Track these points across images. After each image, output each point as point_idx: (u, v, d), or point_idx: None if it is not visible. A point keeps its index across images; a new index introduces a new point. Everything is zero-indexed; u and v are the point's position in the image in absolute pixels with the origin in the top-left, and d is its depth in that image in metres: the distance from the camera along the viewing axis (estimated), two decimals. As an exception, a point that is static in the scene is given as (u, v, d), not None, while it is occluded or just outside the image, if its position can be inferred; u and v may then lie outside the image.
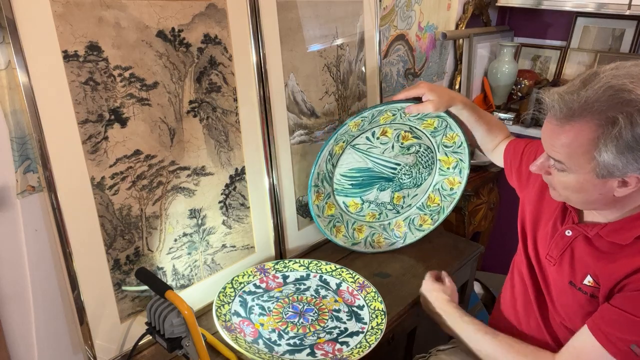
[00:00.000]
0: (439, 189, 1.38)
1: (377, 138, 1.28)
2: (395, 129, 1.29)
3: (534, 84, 1.99)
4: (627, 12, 1.71)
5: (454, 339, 1.24)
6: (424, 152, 1.34)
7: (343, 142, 1.24)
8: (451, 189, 1.38)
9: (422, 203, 1.40)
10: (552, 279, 0.96)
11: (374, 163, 1.30)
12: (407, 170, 1.34)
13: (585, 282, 0.89)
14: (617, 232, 0.85)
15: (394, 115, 1.22)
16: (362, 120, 1.19)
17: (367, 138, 1.27)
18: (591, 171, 0.79)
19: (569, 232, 0.93)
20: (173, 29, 0.99)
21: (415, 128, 1.30)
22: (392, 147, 1.31)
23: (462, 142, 1.31)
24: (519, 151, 1.15)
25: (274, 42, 1.20)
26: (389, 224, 1.39)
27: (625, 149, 0.74)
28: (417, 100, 1.18)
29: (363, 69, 1.47)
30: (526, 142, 1.16)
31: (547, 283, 0.97)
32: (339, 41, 1.38)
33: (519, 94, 2.02)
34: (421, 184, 1.37)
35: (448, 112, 1.22)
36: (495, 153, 1.30)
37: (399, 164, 1.33)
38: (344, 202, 1.33)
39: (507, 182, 1.23)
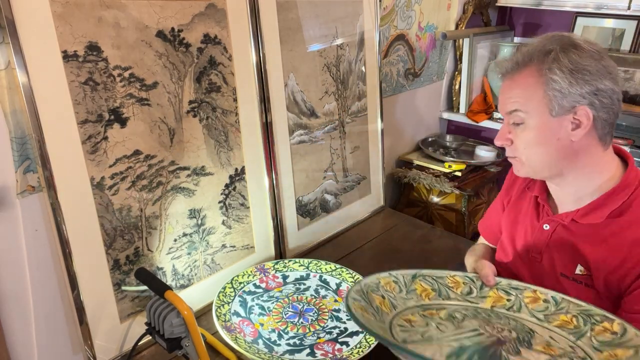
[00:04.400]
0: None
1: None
2: None
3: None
4: (627, 12, 1.71)
5: None
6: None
7: None
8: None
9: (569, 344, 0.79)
10: (542, 275, 0.97)
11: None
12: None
13: (577, 271, 0.91)
14: (589, 214, 0.88)
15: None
16: None
17: None
18: (545, 110, 0.84)
19: (546, 226, 0.95)
20: (173, 29, 0.99)
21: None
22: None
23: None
24: (493, 214, 1.15)
25: (273, 42, 1.20)
26: None
27: (567, 71, 0.81)
28: None
29: (363, 68, 1.47)
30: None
31: (540, 281, 0.98)
32: (338, 41, 1.38)
33: (519, 94, 2.02)
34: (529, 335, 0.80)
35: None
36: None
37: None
38: None
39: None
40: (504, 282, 0.89)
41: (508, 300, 0.87)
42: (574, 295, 0.91)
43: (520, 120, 0.87)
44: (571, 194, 0.92)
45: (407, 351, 0.60)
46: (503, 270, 1.05)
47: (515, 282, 0.90)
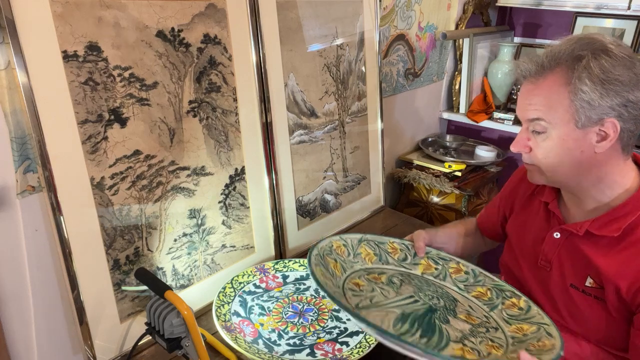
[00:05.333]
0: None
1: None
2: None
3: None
4: (627, 12, 1.71)
5: None
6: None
7: None
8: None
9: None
10: (551, 284, 0.95)
11: None
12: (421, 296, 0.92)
13: (587, 283, 0.88)
14: (606, 225, 0.85)
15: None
16: None
17: None
18: (570, 120, 0.80)
19: (557, 235, 0.92)
20: (173, 29, 0.99)
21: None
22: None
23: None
24: (490, 207, 1.15)
25: (273, 42, 1.20)
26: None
27: (597, 82, 0.76)
28: None
29: (363, 69, 1.47)
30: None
31: (545, 291, 0.96)
32: (338, 41, 1.38)
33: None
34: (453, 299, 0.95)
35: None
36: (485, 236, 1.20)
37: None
38: None
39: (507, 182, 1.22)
40: (433, 252, 1.04)
41: (436, 269, 1.02)
42: (584, 308, 0.89)
43: (542, 129, 0.83)
44: (585, 204, 0.89)
45: (361, 318, 0.71)
46: (510, 279, 1.05)
47: (443, 254, 1.04)
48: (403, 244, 1.04)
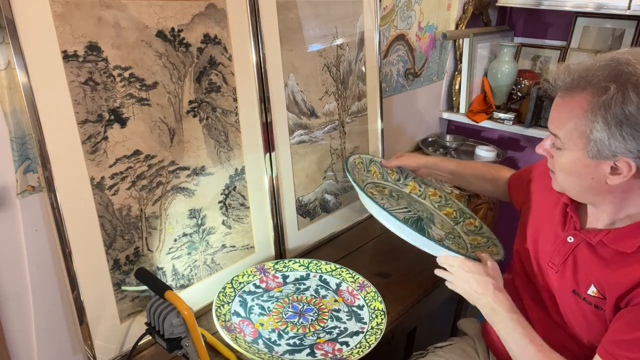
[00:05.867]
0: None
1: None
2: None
3: (534, 84, 1.98)
4: (627, 12, 1.71)
5: (451, 337, 1.23)
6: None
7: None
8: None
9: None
10: (555, 286, 0.94)
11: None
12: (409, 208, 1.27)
13: (590, 292, 0.87)
14: (621, 240, 0.83)
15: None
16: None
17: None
18: (583, 148, 0.78)
19: (570, 239, 0.91)
20: (173, 29, 0.99)
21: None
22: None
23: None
24: (524, 172, 1.16)
25: (273, 42, 1.20)
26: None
27: (613, 122, 0.73)
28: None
29: (363, 69, 1.47)
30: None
31: (549, 290, 0.96)
32: (338, 41, 1.38)
33: (519, 94, 2.02)
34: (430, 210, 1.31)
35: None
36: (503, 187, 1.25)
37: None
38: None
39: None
40: (418, 179, 1.38)
41: (419, 190, 1.36)
42: (582, 315, 0.88)
43: (559, 145, 0.83)
44: (603, 216, 0.87)
45: (383, 207, 1.03)
46: (520, 268, 1.04)
47: (426, 180, 1.38)
48: (398, 168, 1.37)
